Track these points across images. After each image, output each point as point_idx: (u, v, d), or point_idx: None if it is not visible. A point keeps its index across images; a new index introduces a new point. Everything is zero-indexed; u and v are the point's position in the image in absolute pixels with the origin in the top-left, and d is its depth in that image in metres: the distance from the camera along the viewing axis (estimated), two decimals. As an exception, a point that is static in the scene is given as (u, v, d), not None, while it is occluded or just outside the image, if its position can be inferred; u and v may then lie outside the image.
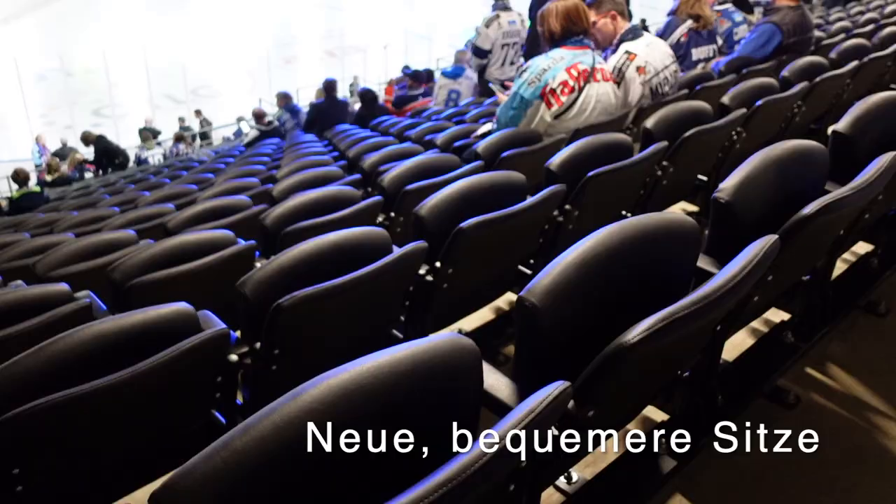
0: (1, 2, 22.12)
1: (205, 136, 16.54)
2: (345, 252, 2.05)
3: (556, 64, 3.74)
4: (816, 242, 1.83)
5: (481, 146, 3.63)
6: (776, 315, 2.29)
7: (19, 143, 15.15)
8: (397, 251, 1.97)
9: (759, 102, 3.24)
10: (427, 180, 3.07)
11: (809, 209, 1.55)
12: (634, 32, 4.26)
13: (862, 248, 2.64)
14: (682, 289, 1.51)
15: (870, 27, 6.22)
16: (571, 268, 1.33)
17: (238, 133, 15.43)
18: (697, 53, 5.25)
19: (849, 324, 2.34)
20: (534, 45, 6.09)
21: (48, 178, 11.26)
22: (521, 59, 7.51)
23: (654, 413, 1.88)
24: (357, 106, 9.97)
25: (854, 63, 4.10)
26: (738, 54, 5.09)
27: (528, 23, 7.56)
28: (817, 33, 5.56)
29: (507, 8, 7.62)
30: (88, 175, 12.29)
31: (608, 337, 1.14)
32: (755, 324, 2.30)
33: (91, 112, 17.93)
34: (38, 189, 9.36)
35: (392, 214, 3.05)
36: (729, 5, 6.03)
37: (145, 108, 17.34)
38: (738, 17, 5.91)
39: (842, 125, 2.18)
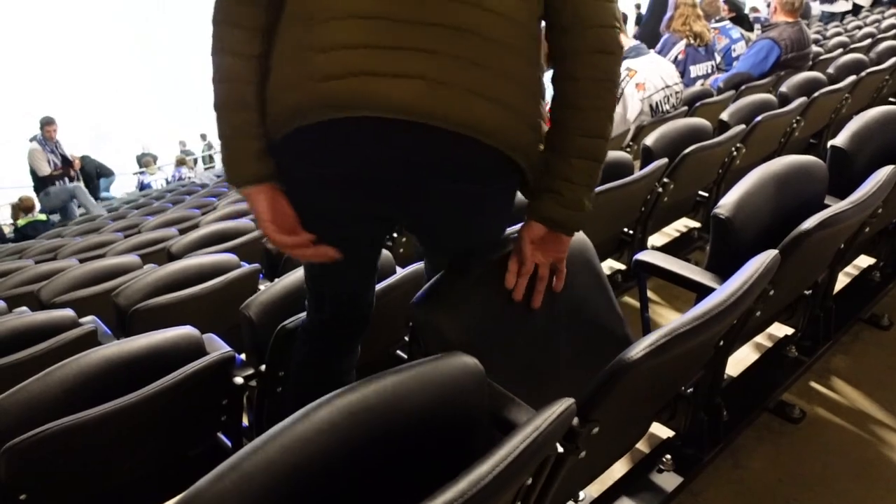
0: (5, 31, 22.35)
1: (206, 160, 16.62)
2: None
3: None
4: (817, 256, 1.84)
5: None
6: (779, 330, 2.29)
7: (22, 171, 15.18)
8: (401, 272, 1.98)
9: (758, 118, 3.26)
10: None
11: (809, 224, 1.56)
12: (637, 50, 4.30)
13: (864, 261, 2.65)
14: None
15: (867, 42, 6.27)
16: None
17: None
18: (696, 70, 5.29)
19: (852, 337, 2.34)
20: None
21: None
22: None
23: (659, 429, 1.88)
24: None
25: (852, 78, 4.13)
26: (736, 70, 5.12)
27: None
28: (815, 48, 5.59)
29: None
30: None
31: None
32: (759, 338, 2.31)
33: (94, 136, 18.01)
34: (43, 217, 9.38)
35: (395, 235, 3.07)
36: (727, 22, 6.07)
37: (145, 132, 17.36)
38: (736, 33, 5.95)
39: (840, 140, 2.20)
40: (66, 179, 9.39)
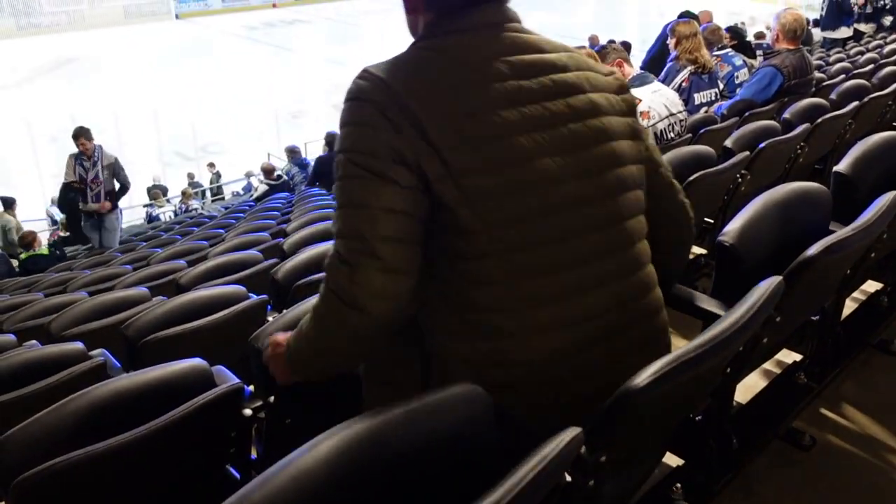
0: (14, 66, 22.67)
1: (215, 191, 16.70)
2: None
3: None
4: (823, 282, 1.84)
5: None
6: (788, 356, 2.29)
7: (31, 205, 15.23)
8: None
9: (762, 145, 3.27)
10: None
11: (813, 250, 1.56)
12: (642, 79, 4.33)
13: (871, 286, 2.65)
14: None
15: (869, 67, 6.30)
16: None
17: (248, 188, 15.56)
18: (699, 98, 5.32)
19: (861, 363, 2.33)
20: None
21: (62, 234, 11.37)
22: None
23: (669, 457, 1.87)
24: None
25: (855, 103, 4.15)
26: (740, 97, 5.14)
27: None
28: (817, 75, 5.62)
29: None
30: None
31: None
32: (767, 365, 2.30)
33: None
34: (45, 251, 9.37)
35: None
36: (729, 50, 6.11)
37: (155, 164, 17.43)
38: (738, 61, 5.98)
39: (842, 166, 2.21)
40: (84, 198, 8.20)
